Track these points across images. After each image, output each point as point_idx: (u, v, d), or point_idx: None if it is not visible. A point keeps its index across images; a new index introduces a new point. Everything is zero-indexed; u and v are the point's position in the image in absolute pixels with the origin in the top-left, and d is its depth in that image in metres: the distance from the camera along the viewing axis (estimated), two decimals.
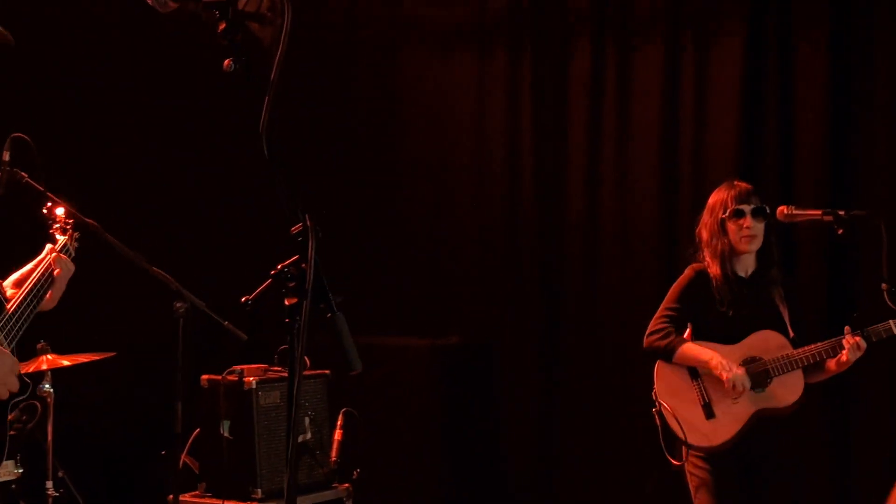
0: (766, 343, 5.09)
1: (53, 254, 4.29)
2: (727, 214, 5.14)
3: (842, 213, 5.06)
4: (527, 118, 7.46)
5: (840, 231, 5.05)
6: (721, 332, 5.13)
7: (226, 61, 2.53)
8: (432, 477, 7.12)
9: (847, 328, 4.98)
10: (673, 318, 5.20)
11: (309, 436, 6.01)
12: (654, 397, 5.17)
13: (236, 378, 5.84)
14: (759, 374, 5.04)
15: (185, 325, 5.20)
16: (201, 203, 7.41)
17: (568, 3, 7.35)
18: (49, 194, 5.09)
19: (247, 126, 2.52)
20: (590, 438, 7.16)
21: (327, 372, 6.07)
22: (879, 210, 5.79)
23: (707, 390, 5.10)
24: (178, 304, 5.13)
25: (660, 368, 5.20)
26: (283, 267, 2.51)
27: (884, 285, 4.97)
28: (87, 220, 4.67)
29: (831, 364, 5.05)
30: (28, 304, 4.07)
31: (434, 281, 7.67)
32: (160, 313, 5.05)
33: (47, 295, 4.21)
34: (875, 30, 6.54)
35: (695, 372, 5.14)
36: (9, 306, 4.03)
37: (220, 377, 5.88)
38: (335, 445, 5.71)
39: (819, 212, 5.13)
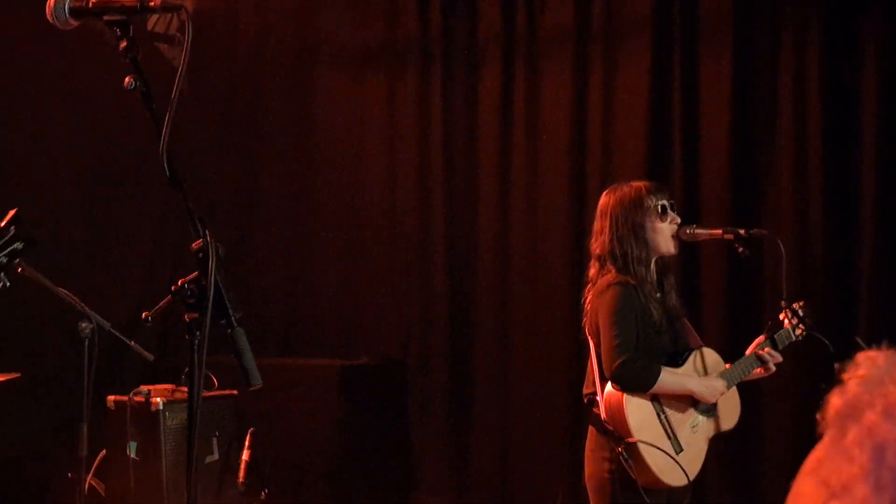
0: (706, 362, 4.93)
1: None
2: (649, 213, 4.84)
3: (742, 231, 5.12)
4: (437, 138, 7.52)
5: (741, 249, 5.11)
6: (661, 351, 4.82)
7: (126, 79, 2.53)
8: (343, 497, 7.11)
9: (761, 338, 5.03)
10: (629, 344, 4.66)
11: (216, 456, 5.97)
12: (619, 436, 4.65)
13: (143, 399, 5.79)
14: None
15: (90, 345, 5.16)
16: (104, 220, 7.32)
17: (478, 25, 7.44)
18: None
19: (148, 143, 2.53)
20: (500, 455, 7.21)
21: (234, 392, 6.04)
22: (780, 228, 5.95)
23: (669, 420, 4.77)
24: (84, 325, 5.09)
25: (628, 402, 4.69)
26: (183, 283, 2.52)
27: (782, 302, 5.07)
28: None
29: (758, 372, 5.05)
30: None
31: (344, 301, 7.69)
32: (65, 333, 5.00)
33: None
34: (781, 46, 6.68)
35: (655, 398, 4.76)
36: None
37: (126, 398, 5.82)
38: (243, 466, 5.69)
39: (720, 230, 5.17)
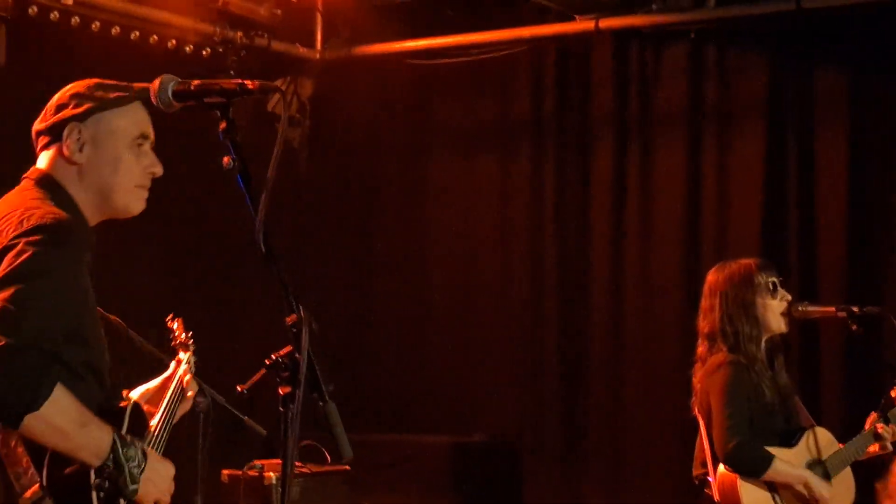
0: (819, 443, 4.90)
1: (188, 375, 3.98)
2: (760, 290, 4.87)
3: (855, 309, 5.06)
4: (549, 217, 7.55)
5: (854, 327, 5.05)
6: (774, 430, 4.84)
7: (225, 158, 2.61)
8: None
9: (874, 415, 4.95)
10: (742, 425, 4.68)
11: None
12: None
13: (256, 473, 5.87)
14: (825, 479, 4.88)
15: (205, 419, 5.26)
16: (220, 296, 7.42)
17: (591, 103, 7.48)
18: None
19: (246, 222, 2.61)
20: None
21: (347, 468, 6.09)
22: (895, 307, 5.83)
23: None
24: (199, 399, 5.19)
25: (742, 486, 4.71)
26: (276, 357, 2.58)
27: None
28: (109, 316, 4.73)
29: (872, 450, 4.96)
30: (165, 424, 3.68)
31: (459, 379, 7.71)
32: None
33: (178, 413, 3.85)
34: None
35: (772, 487, 4.78)
36: (152, 424, 3.60)
37: (240, 472, 5.91)
38: None
39: (833, 308, 5.14)
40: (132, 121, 3.11)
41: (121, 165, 3.10)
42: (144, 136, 3.14)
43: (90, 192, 3.10)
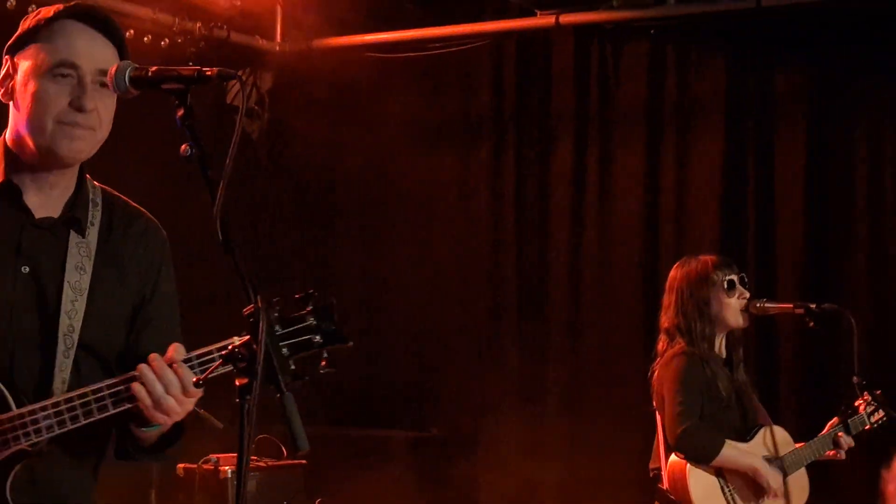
0: (776, 440, 4.93)
1: None
2: (718, 287, 4.91)
3: (813, 306, 5.09)
4: (509, 210, 7.56)
5: (811, 324, 5.08)
6: (729, 425, 4.86)
7: (182, 146, 2.57)
8: None
9: (835, 420, 4.98)
10: (692, 412, 4.71)
11: None
12: None
13: (212, 467, 5.84)
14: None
15: None
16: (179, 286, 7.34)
17: (551, 98, 7.48)
18: None
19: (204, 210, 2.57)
20: None
21: (304, 462, 6.06)
22: (856, 302, 5.87)
23: (735, 497, 4.80)
24: None
25: (691, 472, 4.75)
26: (233, 348, 2.55)
27: (855, 378, 5.01)
28: None
29: (830, 454, 4.99)
30: None
31: (416, 374, 7.69)
32: None
33: None
34: (857, 120, 6.65)
35: (720, 473, 4.81)
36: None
37: (195, 466, 5.87)
38: None
39: (790, 305, 5.16)
40: (53, 47, 2.73)
41: (33, 99, 2.72)
42: (70, 65, 2.72)
43: (18, 137, 2.78)
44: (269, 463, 5.98)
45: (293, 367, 2.73)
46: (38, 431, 2.69)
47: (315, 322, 2.84)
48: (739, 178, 6.95)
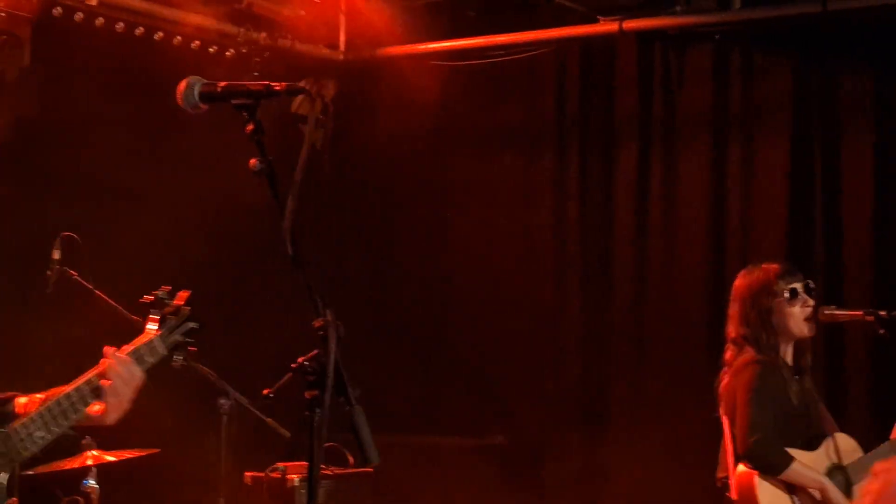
0: (841, 449, 4.86)
1: (110, 360, 3.50)
2: (780, 297, 4.86)
3: (883, 313, 5.02)
4: (573, 218, 7.54)
5: (882, 331, 5.01)
6: (797, 434, 4.80)
7: (252, 160, 2.60)
8: None
9: None
10: (765, 423, 4.66)
11: None
12: None
13: (279, 475, 5.87)
14: (845, 487, 4.82)
15: (228, 421, 5.27)
16: (243, 298, 7.38)
17: (615, 105, 7.46)
18: (98, 293, 5.21)
19: (275, 225, 2.59)
20: None
21: (371, 470, 6.08)
22: None
23: None
24: (222, 401, 5.21)
25: (760, 484, 4.69)
26: (303, 361, 2.57)
27: None
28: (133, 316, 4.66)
29: None
30: (41, 422, 3.22)
31: (480, 381, 7.69)
32: (204, 409, 5.10)
33: (89, 409, 3.39)
34: None
35: (791, 488, 4.74)
36: (13, 425, 3.23)
37: (263, 474, 5.90)
38: None
39: (860, 312, 5.09)
40: None
41: None
42: None
43: None
44: (336, 471, 6.00)
45: None
46: None
47: None
48: (806, 185, 6.88)
